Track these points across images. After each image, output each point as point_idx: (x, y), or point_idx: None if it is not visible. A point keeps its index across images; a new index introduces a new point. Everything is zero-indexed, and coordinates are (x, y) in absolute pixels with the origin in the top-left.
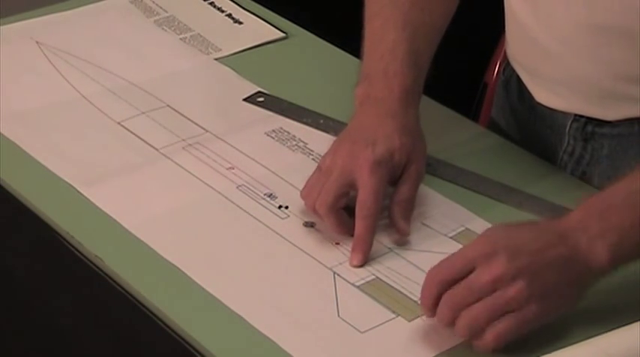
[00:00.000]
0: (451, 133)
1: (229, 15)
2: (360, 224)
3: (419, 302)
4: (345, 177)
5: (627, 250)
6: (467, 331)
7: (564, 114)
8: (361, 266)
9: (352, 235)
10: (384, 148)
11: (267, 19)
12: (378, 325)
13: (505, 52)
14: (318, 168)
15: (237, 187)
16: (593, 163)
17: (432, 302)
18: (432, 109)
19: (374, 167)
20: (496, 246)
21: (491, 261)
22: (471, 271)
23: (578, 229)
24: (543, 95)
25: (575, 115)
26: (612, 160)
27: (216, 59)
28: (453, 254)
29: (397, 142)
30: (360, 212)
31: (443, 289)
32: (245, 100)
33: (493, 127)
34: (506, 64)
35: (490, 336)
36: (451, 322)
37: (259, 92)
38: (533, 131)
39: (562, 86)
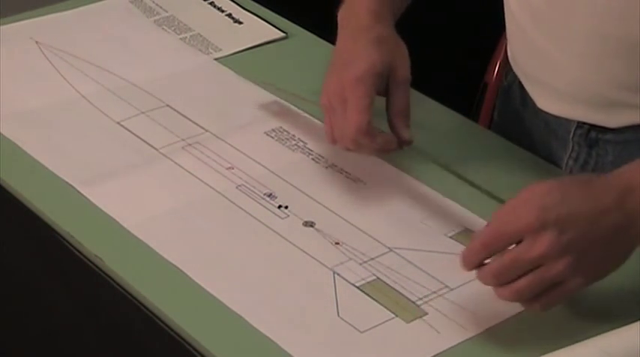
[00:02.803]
0: (451, 134)
1: (229, 15)
2: (361, 141)
3: (418, 303)
4: (343, 104)
5: None
6: (515, 300)
7: (568, 120)
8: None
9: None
10: (363, 63)
11: (267, 19)
12: (377, 325)
13: (505, 53)
14: (322, 108)
15: (236, 187)
16: (598, 169)
17: (476, 265)
18: (432, 109)
19: (355, 83)
20: (546, 218)
21: (540, 236)
22: (519, 241)
23: (636, 186)
24: (546, 102)
25: (579, 121)
26: (617, 166)
27: (216, 59)
28: (503, 222)
29: (375, 53)
30: (349, 132)
31: (488, 255)
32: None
33: (497, 131)
34: (508, 70)
35: (538, 305)
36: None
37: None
38: (537, 136)
39: (565, 94)
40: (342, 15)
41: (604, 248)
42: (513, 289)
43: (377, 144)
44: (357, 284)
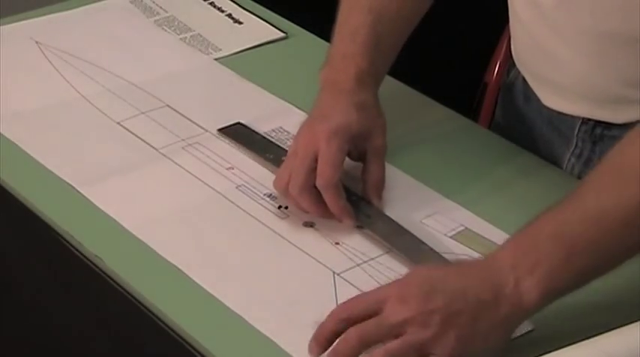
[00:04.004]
0: (451, 134)
1: (229, 15)
2: (325, 196)
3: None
4: (308, 153)
5: (558, 284)
6: None
7: (572, 117)
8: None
9: (328, 216)
10: (341, 119)
11: (267, 19)
12: None
13: (505, 52)
14: (286, 156)
15: (236, 187)
16: None
17: (329, 336)
18: (432, 109)
19: (331, 136)
20: (410, 286)
21: (402, 302)
22: (380, 312)
23: (506, 267)
24: (551, 99)
25: (584, 117)
26: None
27: (216, 59)
28: (365, 293)
29: (354, 114)
30: (319, 183)
31: (347, 326)
32: (219, 130)
33: (497, 129)
34: (510, 66)
35: None
36: (355, 355)
37: (238, 123)
38: (540, 133)
39: (570, 91)
40: (324, 76)
41: (473, 319)
42: (385, 350)
43: (339, 205)
44: (356, 284)
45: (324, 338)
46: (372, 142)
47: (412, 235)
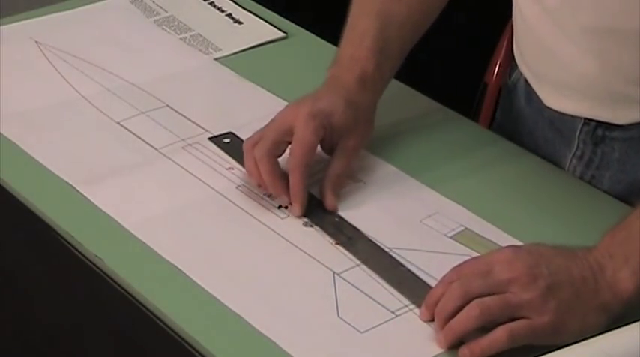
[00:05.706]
0: (451, 134)
1: (229, 15)
2: (291, 176)
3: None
4: (284, 125)
5: None
6: (477, 320)
7: (574, 118)
8: (304, 216)
9: (278, 192)
10: (326, 105)
11: (267, 19)
12: (377, 325)
13: (505, 53)
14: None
15: (236, 187)
16: (602, 166)
17: (439, 299)
18: (432, 109)
19: (309, 118)
20: (519, 253)
21: (511, 263)
22: (488, 273)
23: (605, 255)
24: (552, 99)
25: (586, 118)
26: (623, 164)
27: (216, 59)
28: (475, 257)
29: (341, 107)
30: (288, 163)
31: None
32: (210, 139)
33: (499, 130)
34: (513, 68)
35: (503, 331)
36: (456, 308)
37: (230, 133)
38: (541, 135)
39: (572, 90)
40: (330, 73)
41: (573, 294)
42: (482, 303)
43: (298, 188)
44: (356, 284)
45: (434, 301)
46: (346, 139)
47: (391, 257)
